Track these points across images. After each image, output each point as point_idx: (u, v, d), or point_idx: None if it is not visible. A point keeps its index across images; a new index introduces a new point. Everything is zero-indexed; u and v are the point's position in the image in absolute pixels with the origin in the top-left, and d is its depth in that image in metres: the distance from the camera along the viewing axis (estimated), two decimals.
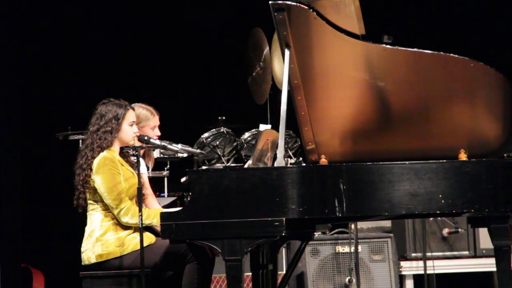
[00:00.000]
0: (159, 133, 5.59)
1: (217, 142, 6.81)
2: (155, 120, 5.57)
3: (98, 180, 5.14)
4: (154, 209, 5.28)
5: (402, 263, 7.27)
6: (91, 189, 5.19)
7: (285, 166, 4.87)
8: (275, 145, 5.23)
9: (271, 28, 5.05)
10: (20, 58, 7.76)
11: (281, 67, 5.59)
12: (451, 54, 5.00)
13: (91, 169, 5.16)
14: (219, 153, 6.79)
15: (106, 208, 5.18)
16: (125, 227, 5.18)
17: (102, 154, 5.17)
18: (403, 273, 7.26)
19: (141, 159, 5.25)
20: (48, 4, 8.15)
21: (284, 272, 6.75)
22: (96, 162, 5.16)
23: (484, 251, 7.29)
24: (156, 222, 5.06)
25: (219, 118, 7.30)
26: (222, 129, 6.87)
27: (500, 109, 5.10)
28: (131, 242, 5.16)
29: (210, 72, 8.62)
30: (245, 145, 6.74)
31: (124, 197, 5.14)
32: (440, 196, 4.82)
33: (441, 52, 5.00)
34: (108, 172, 5.14)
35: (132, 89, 8.13)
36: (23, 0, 7.80)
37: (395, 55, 5.02)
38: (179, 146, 5.46)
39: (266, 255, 5.77)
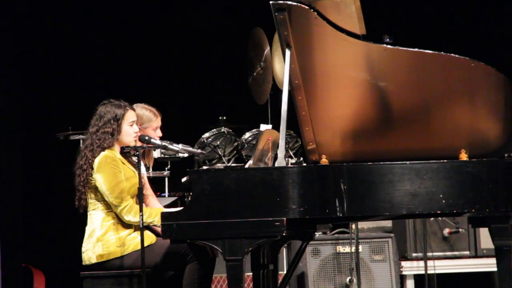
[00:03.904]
0: (160, 134, 5.58)
1: (218, 142, 6.81)
2: (157, 121, 5.57)
3: (100, 179, 5.15)
4: (156, 208, 5.28)
5: (403, 263, 7.27)
6: (92, 189, 5.19)
7: (286, 166, 4.87)
8: (275, 145, 5.23)
9: (272, 28, 5.05)
10: (21, 58, 7.76)
11: (282, 67, 5.59)
12: (452, 54, 5.00)
13: (92, 168, 5.17)
14: (220, 153, 6.79)
15: (107, 207, 5.18)
16: (126, 227, 5.18)
17: (103, 153, 5.18)
18: (403, 273, 7.26)
19: None
20: (48, 4, 8.15)
21: (284, 272, 6.75)
22: (97, 160, 5.16)
23: (484, 251, 7.29)
24: (157, 221, 5.06)
25: (220, 118, 7.30)
26: (223, 129, 6.87)
27: (500, 109, 5.10)
28: (132, 242, 5.16)
29: (211, 72, 8.62)
30: (246, 145, 6.74)
31: (125, 195, 5.14)
32: (441, 196, 4.82)
33: (442, 52, 5.00)
34: (109, 171, 5.14)
35: (133, 89, 8.15)
36: (23, 0, 7.80)
37: (396, 55, 5.02)
38: (180, 146, 5.46)
39: (266, 255, 5.77)
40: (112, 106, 5.27)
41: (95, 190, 5.19)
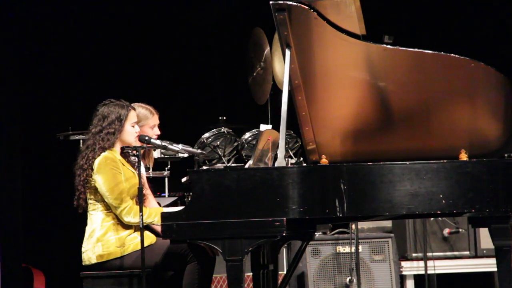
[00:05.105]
0: (158, 132, 5.59)
1: (218, 142, 6.81)
2: (154, 119, 5.58)
3: (100, 180, 5.15)
4: (155, 208, 5.29)
5: (403, 263, 7.27)
6: (92, 189, 5.19)
7: (285, 166, 4.87)
8: (275, 145, 5.23)
9: (272, 28, 5.06)
10: (20, 58, 7.76)
11: (282, 67, 5.59)
12: (452, 54, 5.00)
13: (92, 169, 5.16)
14: (220, 153, 6.79)
15: (107, 208, 5.18)
16: (126, 227, 5.18)
17: (103, 154, 5.18)
18: (403, 273, 7.26)
19: None
20: (48, 4, 8.15)
21: (284, 272, 6.75)
22: (97, 161, 5.16)
23: (484, 251, 7.29)
24: (157, 220, 5.06)
25: (220, 118, 7.30)
26: (223, 129, 6.87)
27: (500, 109, 5.10)
28: (132, 242, 5.16)
29: (211, 72, 8.62)
30: (246, 145, 6.74)
31: (125, 196, 5.14)
32: (441, 196, 4.82)
33: (442, 52, 5.00)
34: (109, 172, 5.14)
35: (133, 89, 8.14)
36: (23, 1, 7.80)
37: (396, 55, 5.02)
38: (180, 146, 5.46)
39: (266, 255, 5.77)
40: (116, 106, 5.27)
41: (95, 190, 5.19)
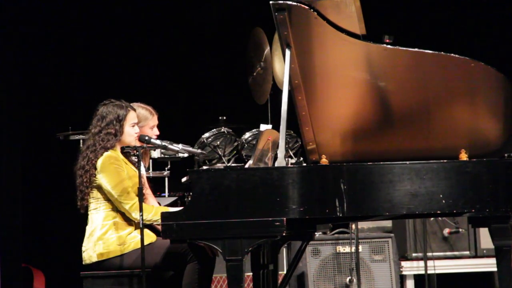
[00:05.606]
0: (157, 133, 5.60)
1: (218, 142, 6.80)
2: (154, 120, 5.58)
3: (104, 179, 5.14)
4: (161, 207, 5.30)
5: (403, 263, 7.27)
6: (94, 189, 5.19)
7: (285, 166, 4.87)
8: (275, 145, 5.23)
9: (272, 28, 5.06)
10: (21, 58, 7.76)
11: (282, 67, 5.58)
12: (452, 54, 5.00)
13: (95, 169, 5.16)
14: (220, 153, 6.78)
15: (108, 207, 5.18)
16: (126, 226, 5.19)
17: (106, 154, 5.18)
18: (403, 273, 7.27)
19: None
20: (49, 5, 8.15)
21: (284, 272, 6.75)
22: (101, 161, 5.16)
23: (484, 251, 7.29)
24: None
25: (220, 118, 7.30)
26: (223, 129, 6.87)
27: (500, 109, 5.10)
28: (132, 240, 5.16)
29: (211, 72, 8.62)
30: (246, 145, 6.74)
31: (130, 192, 5.14)
32: (441, 196, 4.82)
33: (442, 52, 5.00)
34: (114, 170, 5.14)
35: (133, 89, 8.15)
36: (24, 1, 7.80)
37: (396, 55, 5.02)
38: (180, 146, 5.46)
39: (266, 255, 5.78)
40: (114, 107, 5.27)
41: (97, 190, 5.19)
